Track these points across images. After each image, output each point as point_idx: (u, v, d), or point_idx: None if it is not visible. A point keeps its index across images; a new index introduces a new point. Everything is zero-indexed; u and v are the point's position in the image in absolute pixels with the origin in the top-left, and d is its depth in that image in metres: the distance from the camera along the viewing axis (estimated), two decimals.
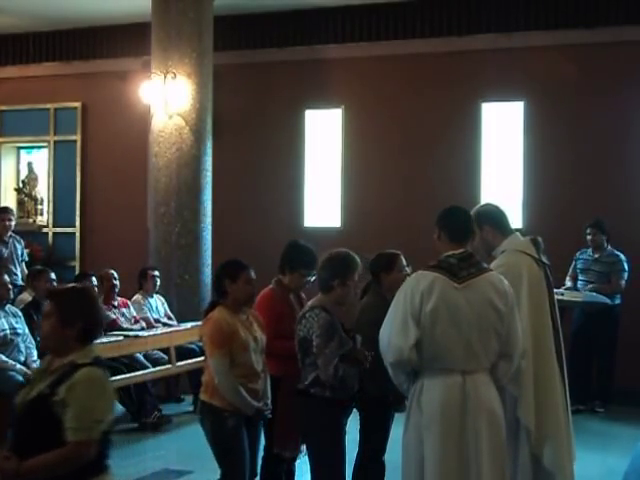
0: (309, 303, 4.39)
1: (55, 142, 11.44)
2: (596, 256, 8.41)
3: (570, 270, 8.53)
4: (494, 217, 4.40)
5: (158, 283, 8.60)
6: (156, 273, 8.58)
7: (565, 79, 9.24)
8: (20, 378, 6.64)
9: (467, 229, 3.97)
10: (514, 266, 4.23)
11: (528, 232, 6.17)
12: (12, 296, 7.20)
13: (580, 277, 8.46)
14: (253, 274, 4.59)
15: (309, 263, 4.80)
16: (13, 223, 8.68)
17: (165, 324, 8.48)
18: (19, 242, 8.72)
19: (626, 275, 8.33)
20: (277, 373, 4.57)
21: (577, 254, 8.55)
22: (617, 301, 8.32)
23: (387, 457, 4.88)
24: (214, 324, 4.45)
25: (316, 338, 4.17)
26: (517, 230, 4.60)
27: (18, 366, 6.75)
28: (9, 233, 8.60)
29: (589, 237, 8.40)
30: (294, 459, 4.86)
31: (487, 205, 4.61)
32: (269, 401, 4.53)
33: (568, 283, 8.43)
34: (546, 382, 4.22)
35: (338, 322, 4.28)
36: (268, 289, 4.93)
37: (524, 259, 4.31)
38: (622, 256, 8.36)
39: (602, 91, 9.14)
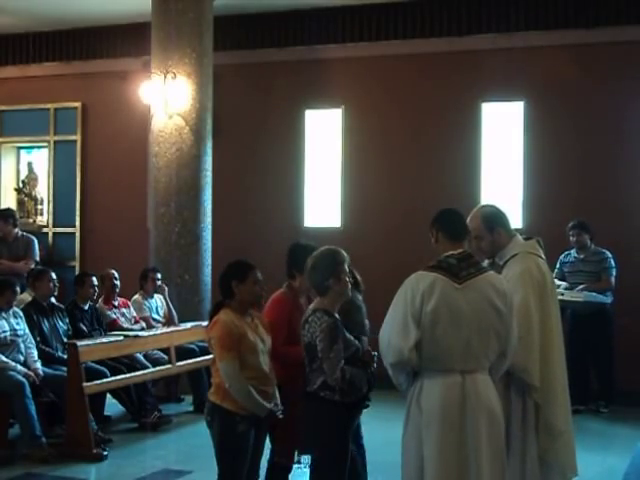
0: (310, 307, 4.35)
1: (55, 142, 11.43)
2: (582, 256, 8.38)
3: (554, 273, 8.47)
4: (503, 219, 4.38)
5: (159, 285, 8.60)
6: (158, 276, 8.58)
7: (565, 79, 9.24)
8: (20, 378, 6.65)
9: (464, 229, 3.99)
10: (537, 270, 4.22)
11: (528, 232, 6.17)
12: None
13: (570, 280, 8.38)
14: (260, 275, 4.56)
15: None
16: (11, 228, 8.57)
17: (165, 324, 8.48)
18: (28, 241, 8.59)
19: (615, 272, 8.31)
20: (279, 379, 4.54)
21: (561, 257, 8.46)
22: (608, 299, 8.30)
23: (386, 457, 4.87)
24: (223, 327, 4.40)
25: (320, 342, 4.13)
26: (516, 230, 4.60)
27: (19, 367, 6.76)
28: (14, 233, 8.53)
29: (573, 238, 8.36)
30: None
31: (491, 207, 4.55)
32: (279, 402, 4.52)
33: (562, 284, 8.40)
34: (563, 382, 4.25)
35: (341, 323, 4.24)
36: (280, 293, 4.88)
37: (540, 262, 4.30)
38: (608, 253, 8.33)
39: (602, 91, 9.14)
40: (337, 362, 4.10)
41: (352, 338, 4.23)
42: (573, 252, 8.45)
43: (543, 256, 4.38)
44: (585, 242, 8.37)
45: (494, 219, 4.33)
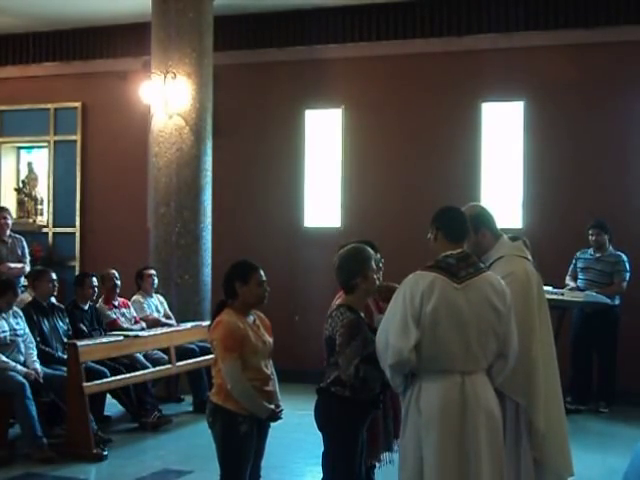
0: (336, 302, 4.37)
1: (55, 142, 11.43)
2: (598, 255, 8.41)
3: (570, 270, 8.54)
4: (489, 220, 4.36)
5: (156, 282, 8.61)
6: (152, 272, 8.59)
7: (565, 79, 9.24)
8: (20, 378, 6.65)
9: (464, 229, 3.95)
10: (522, 273, 4.20)
11: (528, 232, 6.18)
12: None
13: (580, 276, 8.46)
14: (264, 275, 4.55)
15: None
16: (10, 222, 8.67)
17: (164, 324, 8.48)
18: (20, 241, 8.70)
19: (628, 276, 8.34)
20: None
21: (577, 254, 8.55)
22: (617, 301, 8.34)
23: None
24: (225, 328, 4.40)
25: (339, 337, 4.13)
26: (513, 229, 4.58)
27: (19, 367, 6.76)
28: (8, 232, 8.59)
29: (592, 237, 8.39)
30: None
31: (478, 207, 4.53)
32: (280, 402, 4.53)
33: (571, 283, 8.43)
34: (550, 384, 4.23)
35: (364, 322, 4.24)
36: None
37: (526, 264, 4.28)
38: (624, 256, 8.37)
39: (602, 91, 9.14)
40: (353, 358, 4.08)
41: (373, 337, 4.19)
42: (590, 250, 8.48)
43: (530, 257, 4.36)
44: (604, 242, 8.41)
45: (480, 220, 4.30)
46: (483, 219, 4.32)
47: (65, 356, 7.02)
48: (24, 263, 8.58)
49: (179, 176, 8.99)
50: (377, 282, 4.37)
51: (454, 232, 3.90)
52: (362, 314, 4.30)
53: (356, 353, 4.09)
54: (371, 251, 4.35)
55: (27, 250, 8.79)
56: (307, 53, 10.20)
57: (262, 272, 4.56)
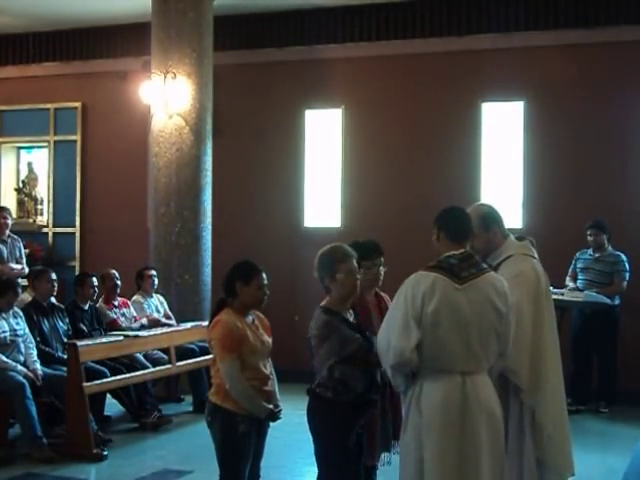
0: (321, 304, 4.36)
1: (55, 142, 11.43)
2: (597, 255, 8.42)
3: (570, 270, 8.54)
4: (499, 219, 4.36)
5: (156, 282, 8.61)
6: (153, 272, 8.59)
7: (565, 79, 9.24)
8: (20, 378, 6.65)
9: (467, 229, 3.94)
10: (531, 272, 4.21)
11: (528, 232, 6.16)
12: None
13: (580, 276, 8.47)
14: (266, 279, 4.53)
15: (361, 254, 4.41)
16: (10, 222, 8.65)
17: (165, 324, 8.48)
18: (17, 242, 8.69)
19: (628, 275, 8.34)
20: None
21: (577, 254, 8.55)
22: (616, 301, 8.34)
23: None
24: (224, 328, 4.40)
25: (313, 339, 4.15)
26: (513, 229, 4.57)
27: (19, 367, 6.76)
28: (7, 232, 8.58)
29: (590, 238, 8.40)
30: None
31: (487, 206, 4.54)
32: (279, 402, 4.53)
33: (570, 284, 8.43)
34: (554, 384, 4.23)
35: (341, 322, 4.17)
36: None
37: (535, 263, 4.28)
38: (623, 256, 8.37)
39: (602, 91, 9.14)
40: (326, 359, 4.08)
41: (355, 337, 4.13)
42: (590, 251, 8.48)
43: (537, 256, 4.37)
44: (602, 242, 8.41)
45: (490, 218, 4.31)
46: (493, 217, 4.33)
47: (65, 356, 7.02)
48: (21, 264, 8.57)
49: (179, 176, 8.99)
50: (357, 282, 4.22)
51: (456, 232, 3.89)
52: (348, 314, 4.23)
53: (329, 354, 4.08)
54: (349, 250, 4.24)
55: (24, 252, 8.77)
56: (307, 53, 10.20)
57: (264, 275, 4.53)
